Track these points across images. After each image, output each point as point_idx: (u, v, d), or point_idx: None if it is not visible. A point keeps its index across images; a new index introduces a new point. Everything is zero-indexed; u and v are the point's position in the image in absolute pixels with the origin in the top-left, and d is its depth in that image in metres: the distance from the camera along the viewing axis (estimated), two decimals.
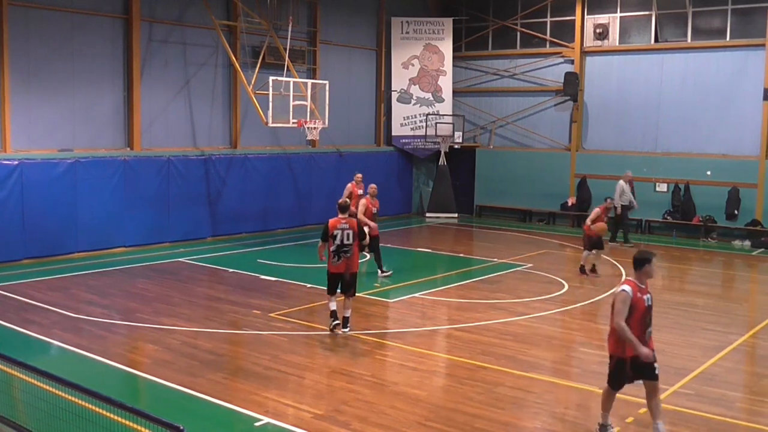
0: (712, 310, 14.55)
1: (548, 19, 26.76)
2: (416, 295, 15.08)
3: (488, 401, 9.31)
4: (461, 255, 19.91)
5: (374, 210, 16.33)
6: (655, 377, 7.90)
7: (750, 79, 22.84)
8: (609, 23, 25.47)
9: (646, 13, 24.82)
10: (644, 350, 7.71)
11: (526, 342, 11.95)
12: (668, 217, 24.21)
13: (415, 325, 13.25)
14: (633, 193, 22.24)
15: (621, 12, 25.29)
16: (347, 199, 13.14)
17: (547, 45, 26.84)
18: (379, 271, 16.52)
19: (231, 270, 17.16)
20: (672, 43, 24.41)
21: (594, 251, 17.29)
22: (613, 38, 25.48)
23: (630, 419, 8.79)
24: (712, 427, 8.70)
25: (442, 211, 27.47)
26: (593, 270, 17.33)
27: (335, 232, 11.85)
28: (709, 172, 23.51)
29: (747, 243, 22.50)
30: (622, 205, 21.94)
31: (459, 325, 12.95)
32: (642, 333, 7.80)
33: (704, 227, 23.51)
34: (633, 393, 9.58)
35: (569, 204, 26.05)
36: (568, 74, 25.69)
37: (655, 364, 7.86)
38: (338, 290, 12.12)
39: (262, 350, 11.19)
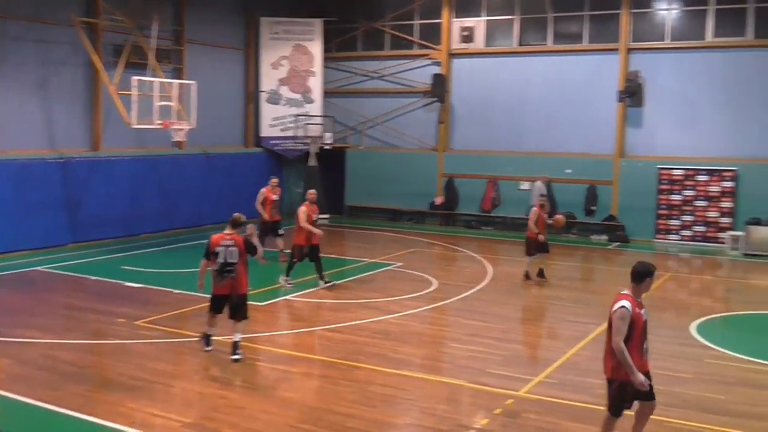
0: (574, 302, 15.17)
1: (416, 22, 27.18)
2: (288, 297, 14.97)
3: (360, 400, 9.34)
4: (333, 256, 19.94)
5: (314, 217, 15.65)
6: (654, 397, 7.49)
7: (605, 82, 23.97)
8: (475, 26, 26.13)
9: (510, 17, 25.61)
10: (640, 377, 7.14)
11: (398, 340, 12.08)
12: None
13: (287, 328, 13.15)
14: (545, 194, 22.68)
15: (486, 16, 26.00)
16: (242, 215, 11.09)
17: (415, 47, 27.26)
18: (321, 282, 15.75)
19: (93, 277, 16.48)
20: (534, 47, 25.32)
21: (539, 255, 16.96)
22: (479, 41, 26.16)
23: (498, 410, 9.02)
24: (576, 413, 9.05)
25: None
26: (540, 274, 16.93)
27: (217, 250, 10.72)
28: (569, 170, 24.54)
29: (604, 237, 23.60)
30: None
31: (331, 325, 12.93)
32: (640, 350, 7.30)
33: (566, 223, 24.48)
34: (500, 385, 9.86)
35: (437, 203, 26.56)
36: (435, 76, 26.18)
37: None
38: (222, 312, 11.04)
39: (128, 359, 10.81)
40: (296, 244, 15.53)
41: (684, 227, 23.01)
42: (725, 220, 22.56)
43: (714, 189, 22.59)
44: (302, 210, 15.53)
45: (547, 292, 16.18)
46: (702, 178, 22.80)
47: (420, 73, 27.04)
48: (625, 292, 7.39)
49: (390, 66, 27.67)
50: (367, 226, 25.75)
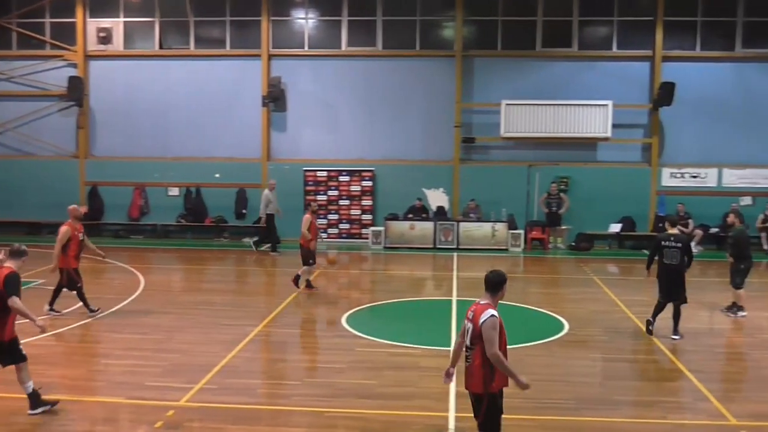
0: (228, 305, 15.17)
1: (47, 20, 25.31)
2: None
3: None
4: None
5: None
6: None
7: (249, 87, 24.37)
8: (113, 28, 25.01)
9: (150, 19, 24.93)
10: (524, 380, 7.11)
11: (46, 363, 11.10)
12: (182, 220, 24.68)
13: None
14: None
15: (124, 17, 25.03)
16: (24, 247, 9.24)
17: (48, 47, 25.38)
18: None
19: None
20: (176, 50, 24.91)
21: (313, 263, 16.55)
22: (118, 43, 25.09)
23: (159, 423, 8.68)
24: (240, 416, 9.02)
25: None
26: (296, 282, 16.47)
27: None
28: (217, 175, 24.57)
29: (256, 239, 23.96)
30: (268, 214, 21.89)
31: None
32: (506, 357, 7.09)
33: (217, 227, 24.49)
34: (160, 397, 9.51)
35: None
36: (71, 78, 24.58)
37: None
38: None
39: None
40: None
41: (331, 225, 24.22)
42: (367, 217, 24.17)
43: (355, 188, 24.10)
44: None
45: (201, 297, 15.99)
46: (344, 178, 24.19)
47: (54, 75, 25.23)
48: (485, 302, 7.18)
49: (20, 67, 25.44)
50: (1, 241, 23.40)
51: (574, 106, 23.26)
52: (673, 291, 12.89)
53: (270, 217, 22.00)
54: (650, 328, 13.02)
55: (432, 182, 24.14)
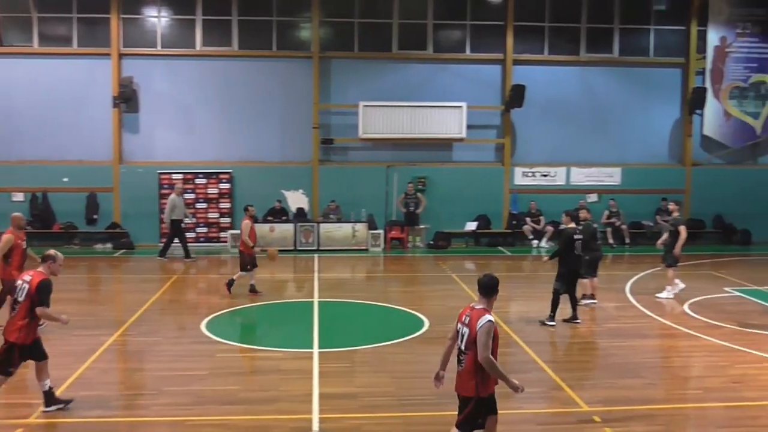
0: (81, 315, 14.47)
1: None
2: None
3: None
4: None
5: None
6: (497, 411, 7.34)
7: (99, 87, 23.37)
8: None
9: None
10: (516, 383, 7.15)
11: None
12: (28, 227, 23.35)
13: None
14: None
15: None
16: (57, 253, 9.40)
17: None
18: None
19: None
20: (19, 48, 23.58)
21: (251, 269, 16.30)
22: None
23: (20, 430, 8.21)
24: (93, 430, 8.64)
25: None
26: (254, 289, 16.27)
27: (19, 282, 9.28)
28: (66, 179, 23.43)
29: (109, 245, 23.10)
30: (173, 220, 20.96)
31: None
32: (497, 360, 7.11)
33: (66, 234, 23.37)
34: (8, 415, 8.99)
35: None
36: None
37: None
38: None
39: None
40: None
41: (187, 229, 23.58)
42: (225, 220, 23.75)
43: (213, 191, 23.62)
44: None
45: (51, 306, 15.17)
46: (201, 181, 23.66)
47: None
48: (480, 306, 7.19)
49: None
50: None
51: (430, 108, 23.75)
52: (574, 280, 14.00)
53: (176, 223, 21.24)
54: (577, 321, 13.95)
55: (291, 184, 24.01)
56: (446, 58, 24.47)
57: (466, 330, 7.16)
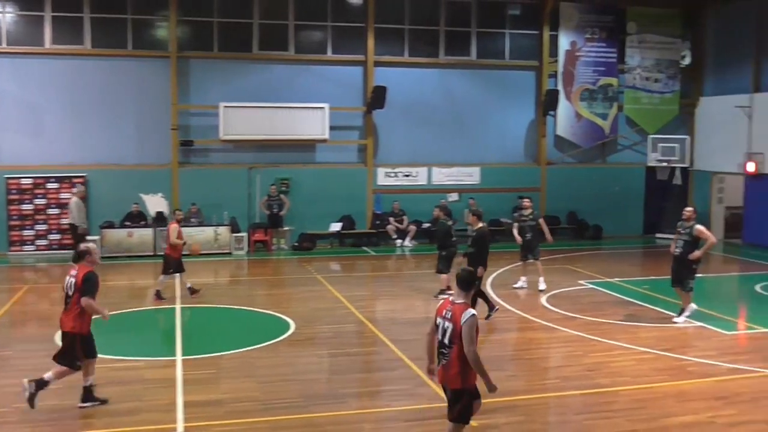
0: None
1: None
2: None
3: None
4: None
5: None
6: None
7: None
8: None
9: None
10: (493, 382, 7.31)
11: None
12: None
13: None
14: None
15: None
16: (88, 245, 10.03)
17: None
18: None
19: None
20: None
21: (174, 274, 16.14)
22: None
23: None
24: None
25: None
26: (159, 296, 15.92)
27: (67, 278, 9.80)
28: None
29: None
30: (71, 224, 20.10)
31: None
32: None
33: None
34: None
35: None
36: None
37: None
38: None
39: None
40: None
41: (39, 237, 22.46)
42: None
43: (65, 196, 22.46)
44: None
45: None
46: (53, 185, 22.52)
47: None
48: (461, 301, 7.28)
49: None
50: None
51: (292, 109, 23.60)
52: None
53: (74, 227, 20.55)
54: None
55: (149, 187, 23.22)
56: (308, 59, 24.40)
57: (449, 324, 7.26)
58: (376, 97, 23.87)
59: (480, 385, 7.38)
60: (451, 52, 25.46)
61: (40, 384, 9.35)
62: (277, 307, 15.30)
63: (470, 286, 7.42)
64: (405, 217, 24.50)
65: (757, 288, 17.65)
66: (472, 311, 7.20)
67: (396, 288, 17.73)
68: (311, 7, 24.38)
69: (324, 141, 24.08)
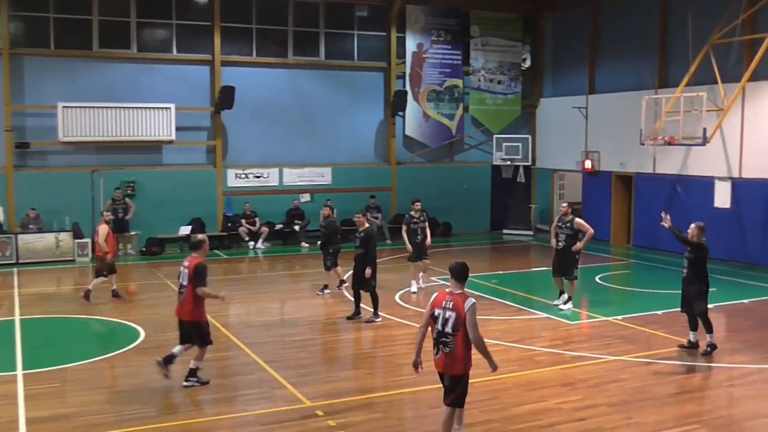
0: None
1: None
2: None
3: None
4: None
5: None
6: None
7: None
8: None
9: None
10: (494, 360, 7.83)
11: None
12: None
13: None
14: None
15: None
16: (203, 236, 11.15)
17: None
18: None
19: None
20: None
21: (108, 275, 15.97)
22: None
23: None
24: None
25: None
26: (116, 294, 16.04)
27: (181, 269, 10.65)
28: None
29: None
30: None
31: None
32: None
33: None
34: None
35: None
36: None
37: None
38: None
39: None
40: None
41: None
42: None
43: None
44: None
45: None
46: None
47: None
48: (459, 291, 7.75)
49: None
50: None
51: (136, 109, 22.77)
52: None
53: None
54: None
55: None
56: (152, 58, 23.62)
57: (451, 314, 7.66)
58: (225, 98, 23.45)
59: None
60: (300, 53, 25.40)
61: (192, 372, 10.42)
62: (126, 315, 14.74)
63: (465, 277, 7.88)
64: (257, 219, 24.21)
65: (597, 279, 18.67)
66: (472, 299, 7.71)
67: (249, 291, 17.49)
68: (154, 5, 23.62)
69: (171, 142, 23.40)
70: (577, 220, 15.03)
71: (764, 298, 16.29)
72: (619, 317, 14.54)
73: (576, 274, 15.13)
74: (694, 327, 12.14)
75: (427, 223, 17.44)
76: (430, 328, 7.89)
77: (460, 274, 7.85)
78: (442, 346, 7.74)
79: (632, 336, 13.26)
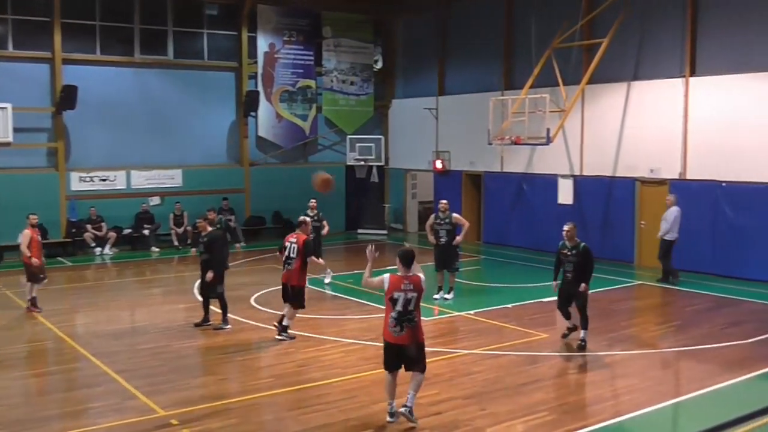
0: None
1: None
2: None
3: None
4: None
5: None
6: None
7: None
8: None
9: None
10: None
11: None
12: None
13: None
14: None
15: None
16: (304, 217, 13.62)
17: None
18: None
19: None
20: None
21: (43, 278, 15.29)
22: None
23: None
24: None
25: None
26: (34, 304, 15.09)
27: (286, 244, 12.85)
28: None
29: None
30: None
31: None
32: None
33: None
34: None
35: None
36: None
37: None
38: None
39: None
40: None
41: None
42: None
43: None
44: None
45: None
46: None
47: None
48: (412, 273, 8.77)
49: None
50: None
51: None
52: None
53: None
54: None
55: None
56: None
57: (412, 294, 8.72)
58: (66, 97, 22.37)
59: None
60: (147, 51, 24.58)
61: (284, 328, 12.76)
62: None
63: (411, 262, 8.79)
64: (104, 224, 23.24)
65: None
66: (421, 274, 8.83)
67: (97, 299, 16.75)
68: None
69: (7, 144, 22.00)
70: (455, 215, 16.06)
71: (605, 288, 17.17)
72: (471, 312, 14.95)
73: (457, 265, 16.24)
74: (568, 317, 12.85)
75: (325, 221, 18.74)
76: (386, 309, 8.85)
77: (409, 258, 8.82)
78: (407, 323, 8.74)
79: (484, 329, 13.66)
